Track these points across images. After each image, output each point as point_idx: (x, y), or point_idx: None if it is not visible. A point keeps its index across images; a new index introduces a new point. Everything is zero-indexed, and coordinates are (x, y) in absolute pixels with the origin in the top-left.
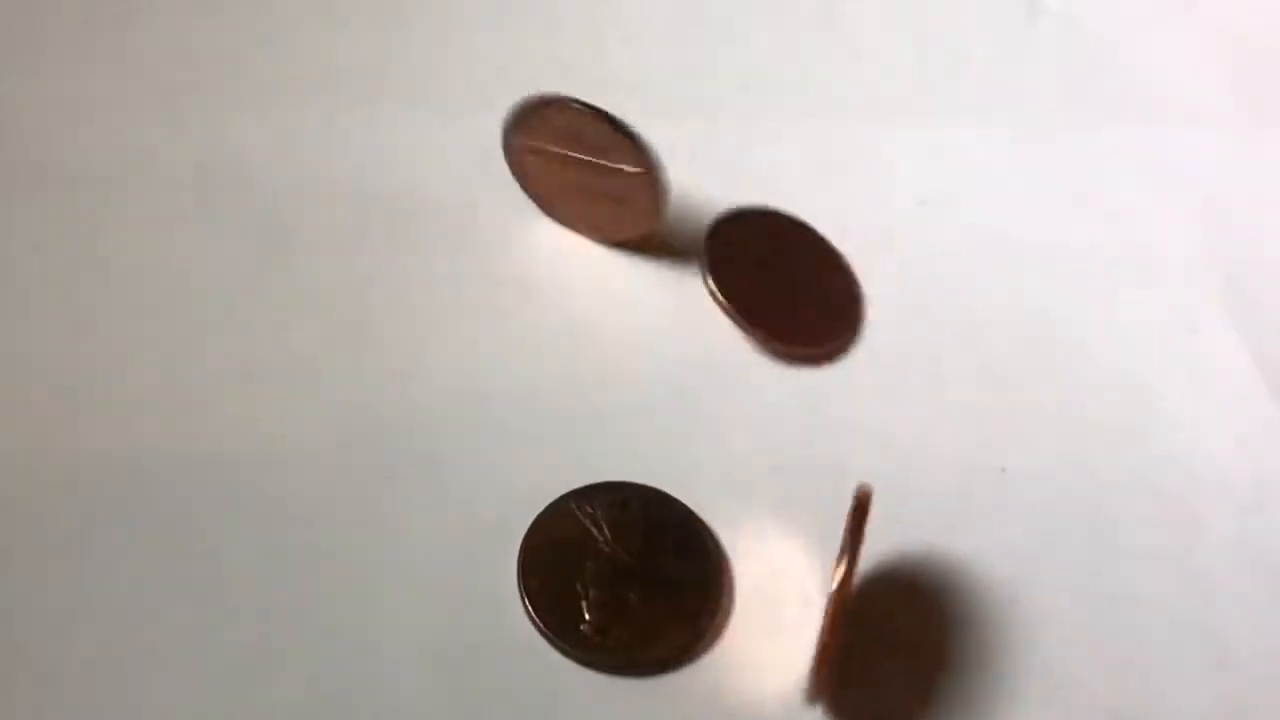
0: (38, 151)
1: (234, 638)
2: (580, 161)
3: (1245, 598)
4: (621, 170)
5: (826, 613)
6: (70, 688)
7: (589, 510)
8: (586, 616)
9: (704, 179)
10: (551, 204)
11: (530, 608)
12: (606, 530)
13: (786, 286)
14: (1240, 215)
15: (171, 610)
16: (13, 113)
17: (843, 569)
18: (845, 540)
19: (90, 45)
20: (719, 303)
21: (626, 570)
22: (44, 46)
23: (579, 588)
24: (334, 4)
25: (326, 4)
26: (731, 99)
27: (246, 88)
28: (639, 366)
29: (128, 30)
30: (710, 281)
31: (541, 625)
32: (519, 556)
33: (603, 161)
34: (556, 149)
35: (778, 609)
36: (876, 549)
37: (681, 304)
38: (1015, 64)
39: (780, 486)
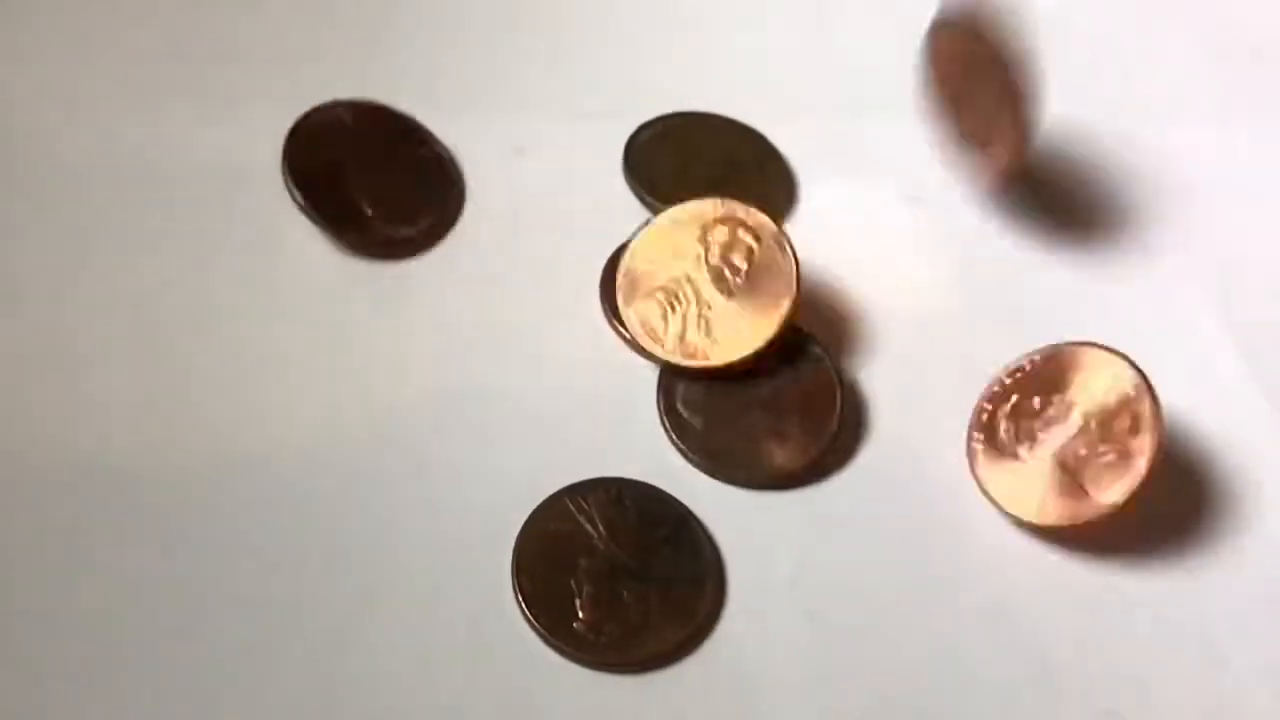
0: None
1: (225, 636)
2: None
3: (1236, 596)
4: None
5: None
6: (66, 688)
7: (584, 506)
8: (580, 613)
9: None
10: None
11: (524, 604)
12: (601, 527)
13: None
14: (1232, 213)
15: (163, 611)
16: None
17: None
18: None
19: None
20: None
21: (621, 567)
22: None
23: (573, 584)
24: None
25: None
26: (719, 100)
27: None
28: (632, 362)
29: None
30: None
31: (535, 622)
32: (513, 553)
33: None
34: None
35: (770, 606)
36: (863, 544)
37: None
38: None
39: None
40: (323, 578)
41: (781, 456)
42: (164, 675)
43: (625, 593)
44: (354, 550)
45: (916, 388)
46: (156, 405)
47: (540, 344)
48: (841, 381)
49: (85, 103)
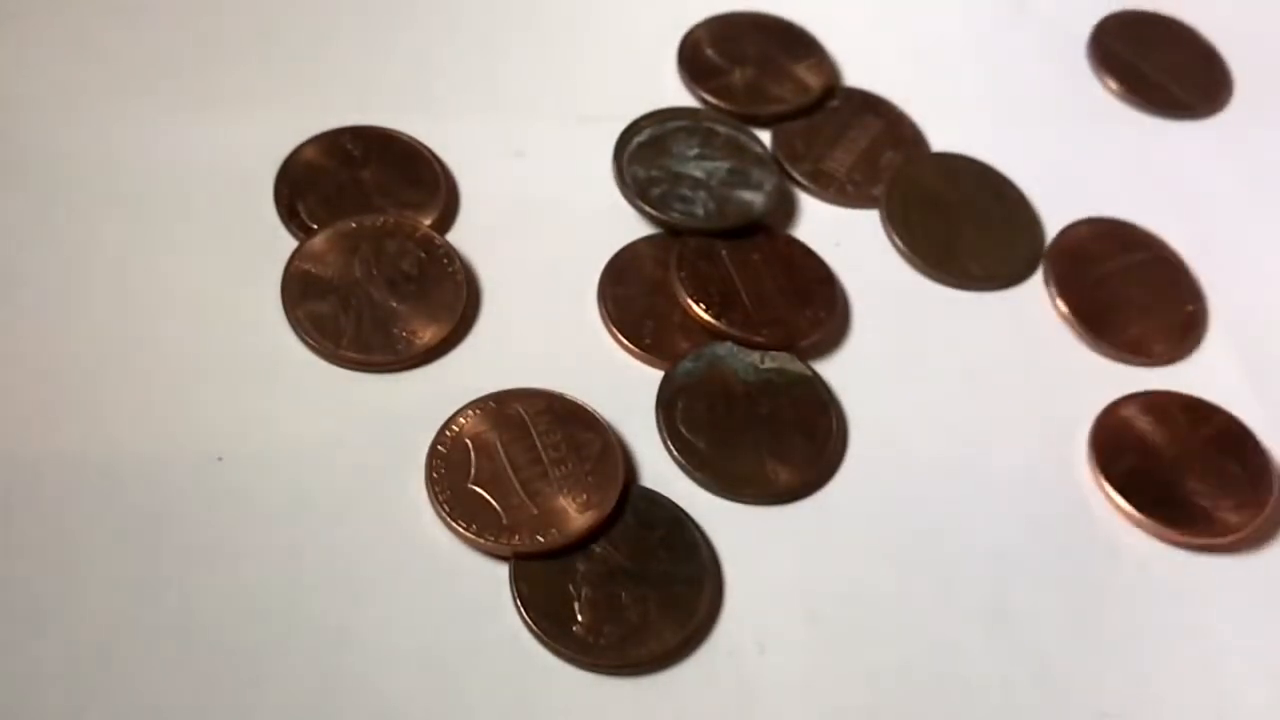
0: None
1: (226, 638)
2: None
3: (1233, 596)
4: None
5: None
6: (66, 688)
7: None
8: (579, 616)
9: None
10: None
11: (522, 608)
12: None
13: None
14: (1228, 212)
15: (163, 610)
16: None
17: None
18: None
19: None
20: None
21: (618, 569)
22: None
23: (571, 588)
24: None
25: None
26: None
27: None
28: (630, 364)
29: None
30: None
31: (534, 625)
32: (511, 556)
33: None
34: None
35: (769, 606)
36: (861, 544)
37: None
38: (1001, 63)
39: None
40: (323, 579)
41: (786, 474)
42: (163, 677)
43: (623, 595)
44: (354, 551)
45: (900, 392)
46: (153, 405)
47: (539, 345)
48: (832, 395)
49: (85, 103)
